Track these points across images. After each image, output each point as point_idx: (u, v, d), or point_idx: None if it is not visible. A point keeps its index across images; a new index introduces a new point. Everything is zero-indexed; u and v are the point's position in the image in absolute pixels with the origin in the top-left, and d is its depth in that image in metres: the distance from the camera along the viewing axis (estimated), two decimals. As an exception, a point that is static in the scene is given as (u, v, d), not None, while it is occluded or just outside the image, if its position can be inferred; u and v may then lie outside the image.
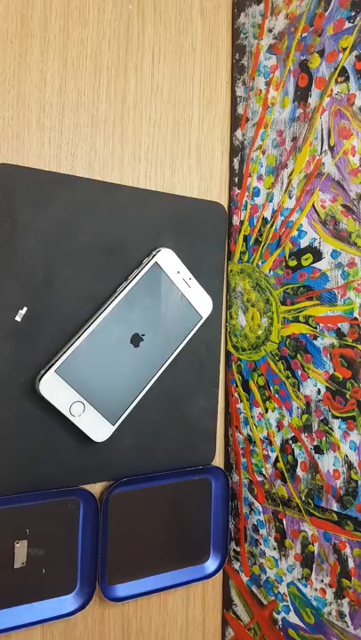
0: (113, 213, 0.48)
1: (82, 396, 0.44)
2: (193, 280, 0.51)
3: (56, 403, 0.43)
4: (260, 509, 0.52)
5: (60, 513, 0.46)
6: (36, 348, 0.44)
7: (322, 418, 0.46)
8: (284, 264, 0.50)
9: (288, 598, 0.49)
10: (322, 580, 0.46)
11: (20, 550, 0.44)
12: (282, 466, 0.50)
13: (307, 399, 0.47)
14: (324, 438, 0.46)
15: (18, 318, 0.44)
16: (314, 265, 0.47)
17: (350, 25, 0.44)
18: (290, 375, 0.49)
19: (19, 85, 0.45)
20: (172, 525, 0.52)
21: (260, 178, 0.52)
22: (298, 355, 0.48)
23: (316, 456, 0.47)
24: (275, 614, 0.50)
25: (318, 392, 0.46)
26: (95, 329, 0.45)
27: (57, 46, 0.46)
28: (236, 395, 0.55)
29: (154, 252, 0.49)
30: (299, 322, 0.48)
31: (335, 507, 0.45)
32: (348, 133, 0.44)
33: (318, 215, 0.47)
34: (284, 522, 0.49)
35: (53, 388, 0.43)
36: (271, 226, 0.51)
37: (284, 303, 0.50)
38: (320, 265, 0.46)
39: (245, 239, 0.54)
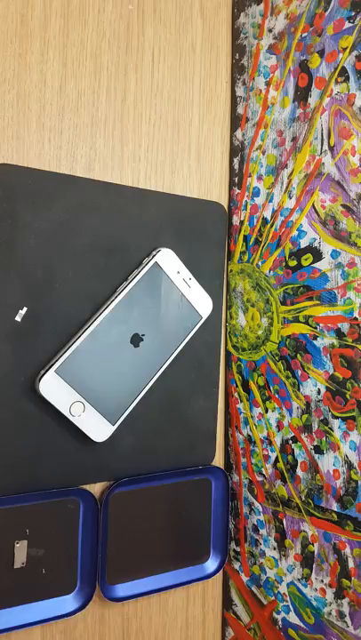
0: (113, 213, 0.48)
1: (82, 396, 0.44)
2: (193, 280, 0.51)
3: (56, 403, 0.43)
4: (260, 509, 0.52)
5: (60, 513, 0.46)
6: (36, 348, 0.44)
7: (322, 418, 0.46)
8: (284, 264, 0.50)
9: (288, 598, 0.49)
10: (322, 580, 0.46)
11: (20, 550, 0.44)
12: (282, 466, 0.50)
13: (307, 399, 0.47)
14: (324, 438, 0.46)
15: (18, 318, 0.44)
16: (314, 265, 0.47)
17: (350, 25, 0.44)
18: (290, 375, 0.49)
19: (19, 85, 0.45)
20: (172, 525, 0.52)
21: (260, 178, 0.52)
22: (298, 355, 0.48)
23: (316, 456, 0.47)
24: (275, 614, 0.50)
25: (318, 392, 0.46)
26: (95, 329, 0.45)
27: (57, 46, 0.46)
28: (236, 395, 0.54)
29: (154, 252, 0.49)
30: (299, 322, 0.48)
31: (335, 507, 0.45)
32: (348, 133, 0.44)
33: (318, 215, 0.47)
34: (284, 522, 0.49)
35: (53, 387, 0.43)
36: (271, 226, 0.51)
37: (284, 303, 0.50)
38: (320, 265, 0.46)
39: (245, 239, 0.54)
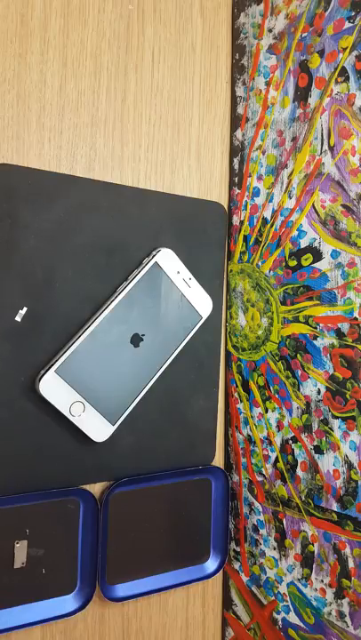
0: (113, 213, 0.48)
1: (82, 396, 0.44)
2: (193, 280, 0.51)
3: (56, 403, 0.43)
4: (260, 509, 0.52)
5: (60, 513, 0.46)
6: (35, 348, 0.44)
7: (322, 418, 0.46)
8: (284, 264, 0.50)
9: (288, 598, 0.49)
10: (322, 580, 0.46)
11: (20, 550, 0.44)
12: (282, 466, 0.50)
13: (307, 399, 0.47)
14: (324, 438, 0.46)
15: (18, 318, 0.44)
16: (314, 265, 0.47)
17: (350, 25, 0.44)
18: (290, 375, 0.49)
19: (19, 85, 0.45)
20: (172, 525, 0.52)
21: (260, 178, 0.52)
22: (298, 355, 0.48)
23: (316, 456, 0.47)
24: (275, 614, 0.50)
25: (318, 392, 0.46)
26: (95, 329, 0.45)
27: (57, 46, 0.46)
28: (236, 395, 0.54)
29: (154, 252, 0.49)
30: (299, 322, 0.48)
31: (335, 507, 0.45)
32: (348, 133, 0.44)
33: (318, 215, 0.47)
34: (284, 522, 0.49)
35: (53, 387, 0.43)
36: (271, 226, 0.51)
37: (284, 303, 0.50)
38: (320, 265, 0.46)
39: (245, 239, 0.54)
